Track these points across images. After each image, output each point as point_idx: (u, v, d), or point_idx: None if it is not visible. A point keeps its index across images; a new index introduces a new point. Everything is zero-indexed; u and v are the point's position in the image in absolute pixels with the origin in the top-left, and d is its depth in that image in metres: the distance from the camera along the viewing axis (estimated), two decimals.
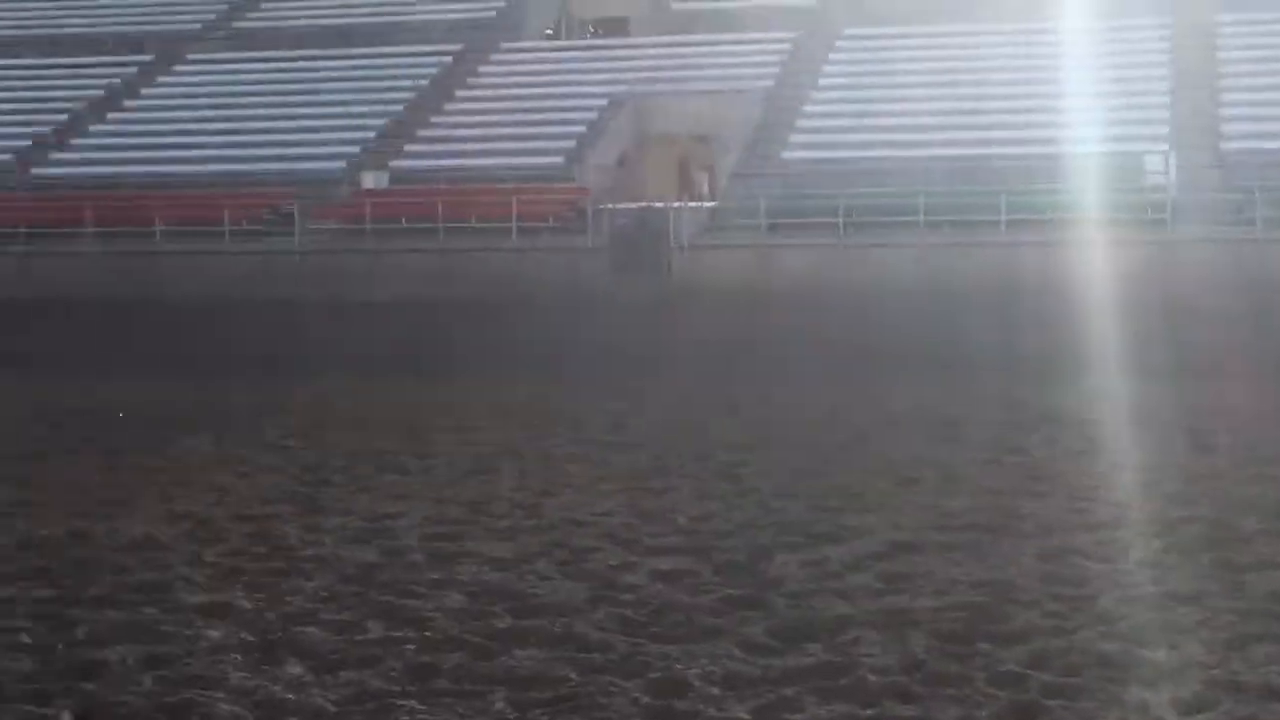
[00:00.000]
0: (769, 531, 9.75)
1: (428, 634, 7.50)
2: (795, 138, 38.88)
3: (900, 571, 8.59)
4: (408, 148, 41.43)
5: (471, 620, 7.75)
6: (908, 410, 15.59)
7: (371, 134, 42.21)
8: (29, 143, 44.20)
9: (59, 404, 17.20)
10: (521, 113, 41.76)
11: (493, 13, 49.59)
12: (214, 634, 7.56)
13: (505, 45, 47.44)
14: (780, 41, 44.74)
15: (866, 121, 38.69)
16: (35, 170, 42.81)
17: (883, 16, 44.40)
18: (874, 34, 44.12)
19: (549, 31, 53.32)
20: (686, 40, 45.36)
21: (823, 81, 42.02)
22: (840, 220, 34.16)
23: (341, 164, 40.62)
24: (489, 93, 44.17)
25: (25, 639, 7.47)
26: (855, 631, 7.38)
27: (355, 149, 41.35)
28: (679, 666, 6.90)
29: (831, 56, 43.45)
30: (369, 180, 39.69)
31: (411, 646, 7.30)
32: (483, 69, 45.88)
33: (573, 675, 6.83)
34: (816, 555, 9.03)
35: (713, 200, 39.61)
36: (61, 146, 44.26)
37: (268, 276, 34.85)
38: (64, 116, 45.59)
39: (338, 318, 28.52)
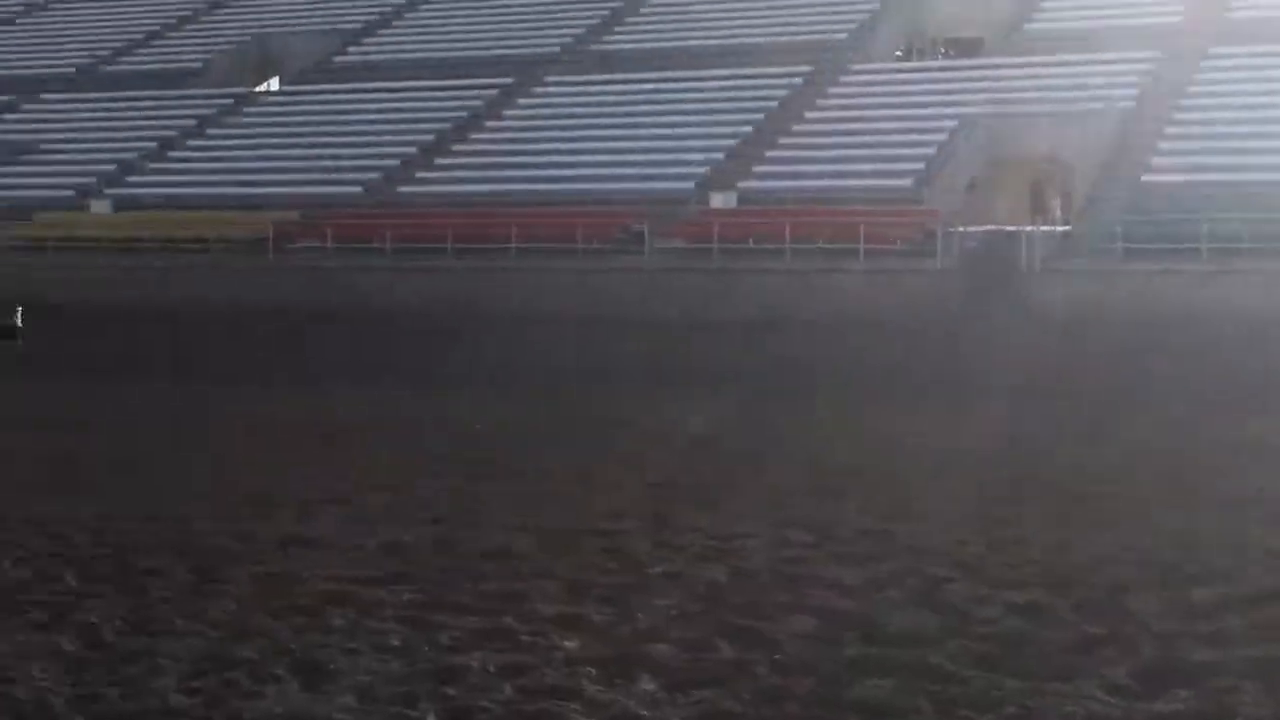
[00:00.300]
0: (1128, 567, 9.39)
1: (778, 657, 7.45)
2: (1157, 160, 37.61)
3: (1277, 619, 8.14)
4: (756, 168, 41.70)
5: (822, 646, 7.67)
6: (1277, 445, 14.86)
7: (721, 155, 42.63)
8: (398, 162, 46.18)
9: (422, 416, 17.87)
10: (870, 134, 41.57)
11: (843, 34, 49.57)
12: (569, 645, 7.68)
13: (855, 66, 47.33)
14: (1141, 61, 43.36)
15: (1233, 144, 37.17)
16: (401, 189, 44.69)
17: (1251, 34, 42.62)
18: (1241, 52, 42.35)
19: (899, 53, 53.00)
20: (1042, 61, 44.36)
21: (1186, 102, 40.54)
22: (1203, 246, 32.88)
23: (691, 184, 41.14)
24: (838, 114, 44.09)
25: (394, 641, 7.74)
26: (1228, 679, 7.00)
27: (704, 169, 41.83)
28: (1036, 705, 6.68)
29: (1196, 76, 41.88)
30: (717, 200, 40.09)
31: (762, 669, 7.27)
32: (832, 90, 45.84)
33: (926, 707, 6.68)
34: (1180, 595, 8.63)
35: (1066, 224, 38.64)
36: (426, 166, 46.08)
37: (617, 294, 35.55)
38: (430, 137, 47.46)
39: (684, 336, 28.87)
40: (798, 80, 46.70)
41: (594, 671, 7.22)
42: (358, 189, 45.16)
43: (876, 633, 7.90)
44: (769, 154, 42.51)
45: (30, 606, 8.47)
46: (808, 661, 7.37)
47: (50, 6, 70.49)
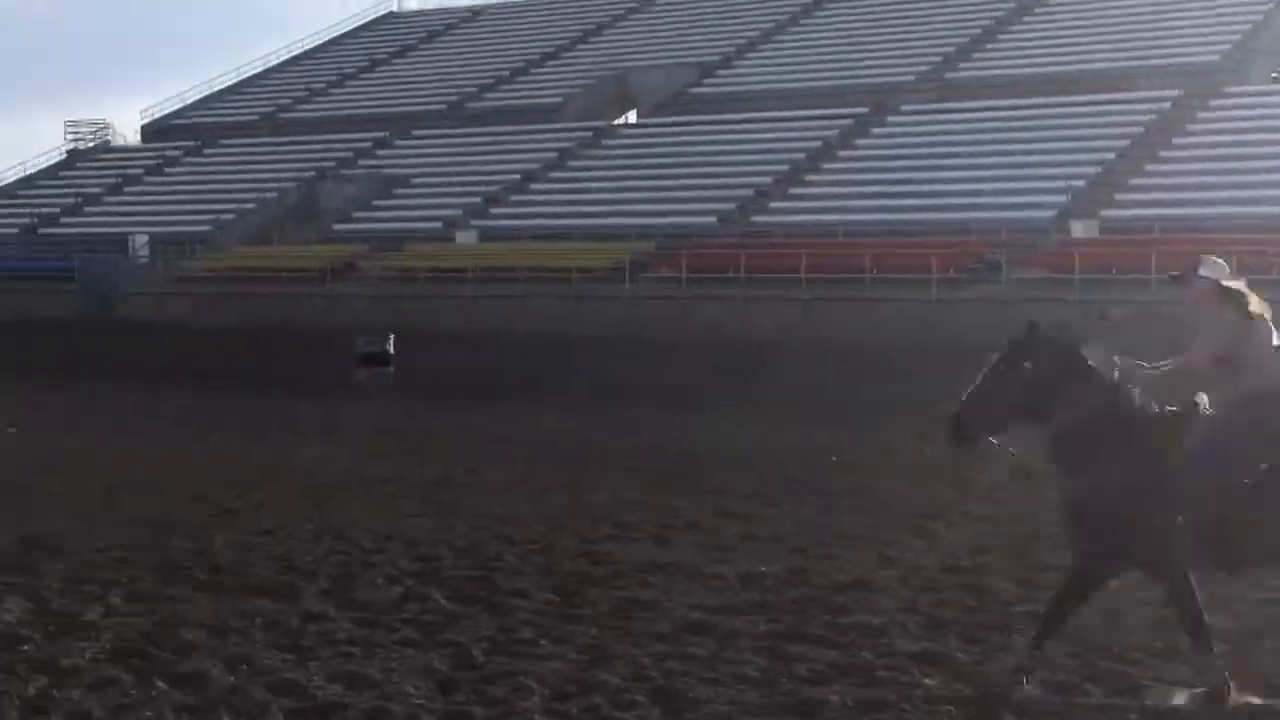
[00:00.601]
0: None
1: (1148, 703, 7.14)
2: None
3: None
4: (1119, 196, 40.45)
5: (1197, 696, 7.30)
6: None
7: (1082, 182, 41.50)
8: (751, 193, 46.53)
9: (778, 444, 17.86)
10: (1246, 159, 39.85)
11: (1215, 56, 47.72)
12: (929, 683, 7.53)
13: (1229, 89, 45.49)
14: None
15: None
16: (755, 219, 44.99)
17: None
18: None
19: (1276, 74, 50.65)
20: None
21: None
22: None
23: (1051, 213, 40.17)
24: (1210, 139, 42.46)
25: (751, 671, 7.72)
26: None
27: (1065, 198, 40.78)
28: None
29: None
30: (1079, 229, 39.01)
31: (1133, 716, 6.98)
32: (1203, 114, 44.17)
33: None
34: None
35: None
36: (780, 196, 46.26)
37: (972, 325, 34.86)
38: (784, 167, 47.67)
39: None
40: (1166, 105, 45.13)
41: (954, 710, 7.06)
42: (712, 219, 45.65)
43: (1263, 685, 7.48)
44: (1134, 181, 41.18)
45: (401, 625, 8.77)
46: (1182, 712, 7.04)
47: (420, 47, 73.73)
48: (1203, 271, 7.58)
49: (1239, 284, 7.54)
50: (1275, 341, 7.44)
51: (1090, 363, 7.60)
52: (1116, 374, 7.54)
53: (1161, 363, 7.62)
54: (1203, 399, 7.41)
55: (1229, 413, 7.28)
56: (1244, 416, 7.23)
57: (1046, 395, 7.51)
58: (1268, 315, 7.50)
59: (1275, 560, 7.39)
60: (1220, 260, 7.69)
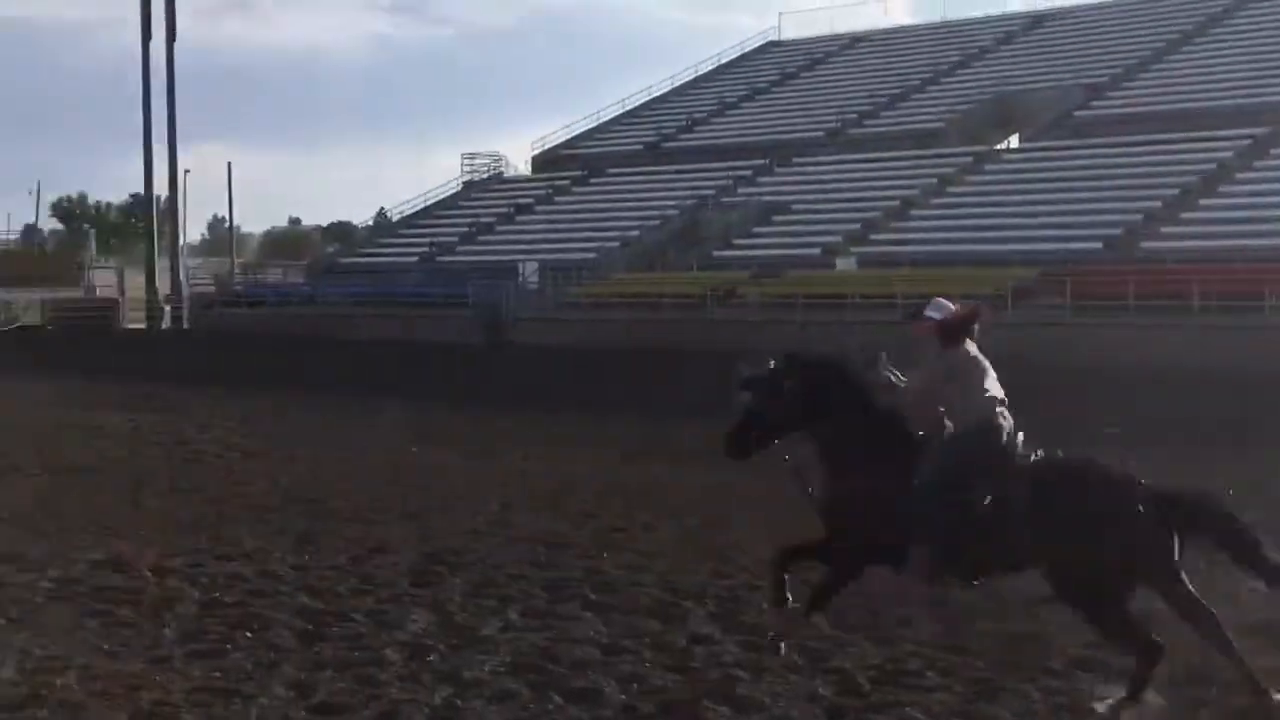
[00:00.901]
0: None
1: None
2: None
3: None
4: None
5: None
6: None
7: None
8: (1140, 217, 45.09)
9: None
10: None
11: None
12: None
13: None
14: None
15: None
16: (1145, 244, 43.56)
17: None
18: None
19: None
20: None
21: None
22: None
23: None
24: None
25: (1146, 712, 7.49)
26: None
27: None
28: None
29: None
30: None
31: None
32: None
33: None
34: None
35: None
36: (1171, 220, 44.68)
37: None
38: (1174, 191, 46.04)
39: None
40: None
41: None
42: (1098, 245, 44.40)
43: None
44: None
45: (787, 650, 8.82)
46: None
47: (801, 75, 74.15)
48: (928, 311, 8.49)
49: (970, 311, 8.45)
50: (987, 381, 8.23)
51: (854, 380, 8.54)
52: (880, 390, 8.44)
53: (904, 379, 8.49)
54: (949, 424, 8.21)
55: (944, 445, 8.12)
56: (954, 447, 8.06)
57: (812, 408, 8.42)
58: (977, 352, 8.28)
59: (1002, 571, 8.27)
60: (946, 301, 8.58)
